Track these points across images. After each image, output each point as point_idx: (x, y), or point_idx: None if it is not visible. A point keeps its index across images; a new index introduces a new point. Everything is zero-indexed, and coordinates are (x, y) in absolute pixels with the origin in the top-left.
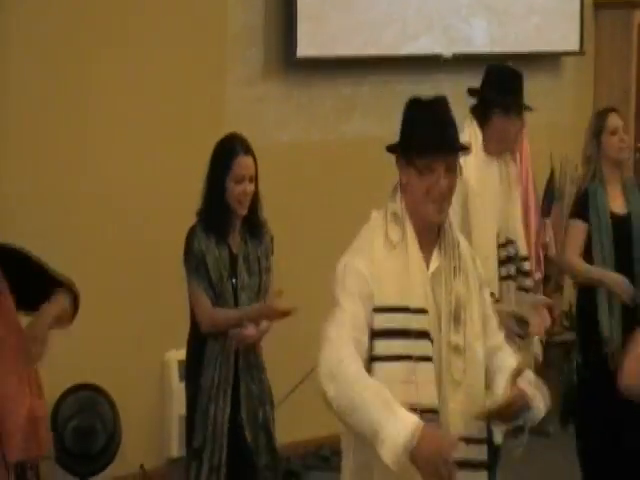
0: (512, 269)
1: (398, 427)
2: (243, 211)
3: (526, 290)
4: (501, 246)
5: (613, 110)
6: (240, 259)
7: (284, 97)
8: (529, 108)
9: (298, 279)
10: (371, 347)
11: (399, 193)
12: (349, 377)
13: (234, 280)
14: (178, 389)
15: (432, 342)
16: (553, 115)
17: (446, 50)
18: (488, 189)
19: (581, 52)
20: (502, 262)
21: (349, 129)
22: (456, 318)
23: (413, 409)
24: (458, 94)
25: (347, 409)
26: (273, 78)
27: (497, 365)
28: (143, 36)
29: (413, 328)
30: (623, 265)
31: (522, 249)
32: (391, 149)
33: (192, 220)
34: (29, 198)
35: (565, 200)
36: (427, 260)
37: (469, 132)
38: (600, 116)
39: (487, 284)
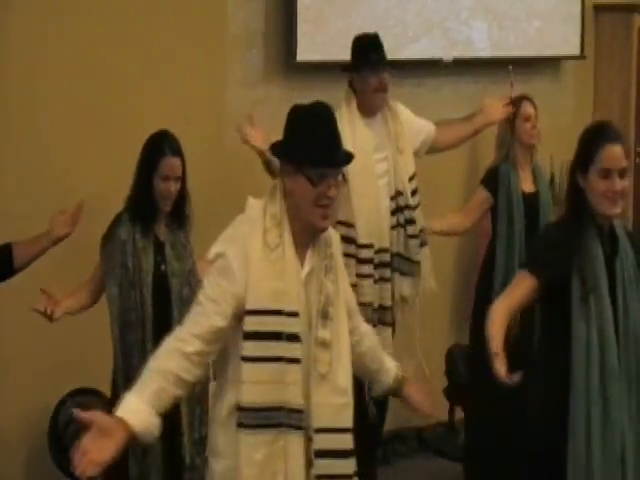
0: (401, 218)
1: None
2: (167, 208)
3: (412, 237)
4: (391, 198)
5: (527, 99)
6: (167, 246)
7: (284, 99)
8: (382, 63)
9: None
10: (240, 348)
11: (278, 195)
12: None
13: (163, 267)
14: None
15: (301, 342)
16: (553, 119)
17: (446, 54)
18: (363, 149)
19: (582, 56)
20: (392, 212)
21: None
22: (324, 315)
23: (280, 408)
24: (458, 98)
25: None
26: (273, 81)
27: (376, 366)
28: (144, 37)
29: (285, 331)
30: (531, 236)
31: (410, 199)
32: (276, 153)
33: (192, 224)
34: (35, 199)
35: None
36: (301, 261)
37: (345, 100)
38: (515, 104)
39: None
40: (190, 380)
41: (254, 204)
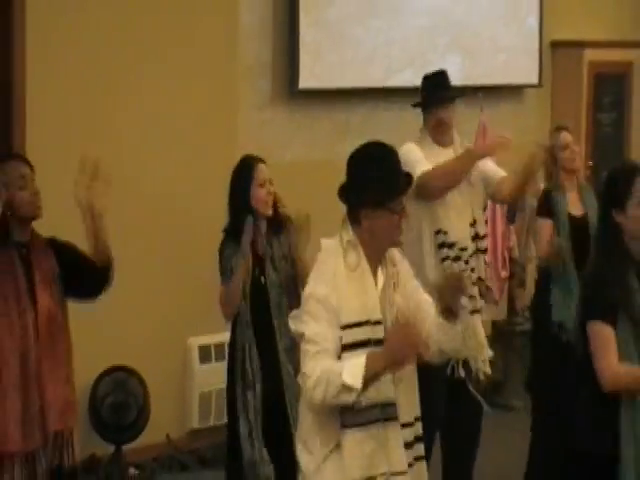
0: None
1: (355, 360)
2: (269, 211)
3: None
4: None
5: (563, 128)
6: (267, 261)
7: (288, 121)
8: (457, 96)
9: None
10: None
11: (349, 225)
12: (327, 373)
13: (263, 279)
14: (198, 370)
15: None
16: (517, 138)
17: None
18: None
19: (540, 85)
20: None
21: (343, 149)
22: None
23: (378, 405)
24: None
25: (329, 392)
26: (279, 105)
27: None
28: (168, 67)
29: (373, 338)
30: (583, 256)
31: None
32: (355, 201)
33: (208, 225)
34: (62, 200)
35: (527, 210)
36: (375, 279)
37: (421, 134)
38: (552, 135)
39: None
40: None
41: (329, 243)
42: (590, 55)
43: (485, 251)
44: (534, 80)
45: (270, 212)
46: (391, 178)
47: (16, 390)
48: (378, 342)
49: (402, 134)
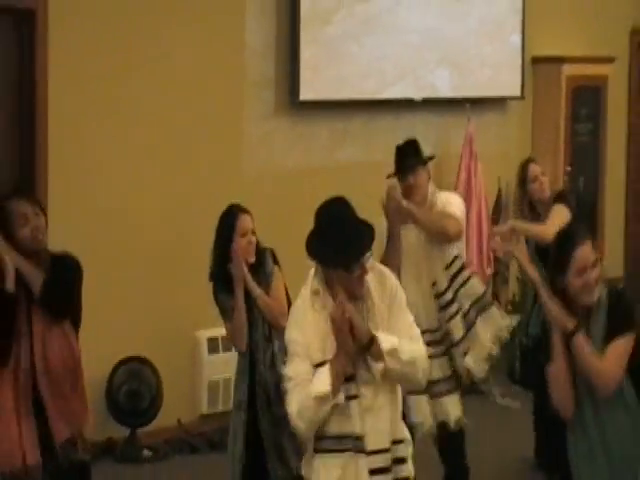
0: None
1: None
2: (253, 258)
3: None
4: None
5: (532, 161)
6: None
7: (290, 130)
8: (420, 164)
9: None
10: None
11: (320, 273)
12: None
13: (255, 312)
14: (207, 360)
15: (356, 382)
16: (501, 146)
17: (417, 95)
18: None
19: (522, 97)
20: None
21: (341, 156)
22: (364, 359)
23: (347, 436)
24: (427, 128)
25: (306, 417)
26: (281, 116)
27: None
28: (183, 82)
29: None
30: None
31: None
32: (313, 256)
33: (212, 224)
34: (79, 203)
35: (509, 213)
36: None
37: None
38: (522, 168)
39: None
40: None
41: (304, 291)
42: (568, 70)
43: (447, 306)
44: (517, 93)
45: (252, 259)
46: (346, 248)
47: (14, 411)
48: (348, 378)
49: (394, 142)
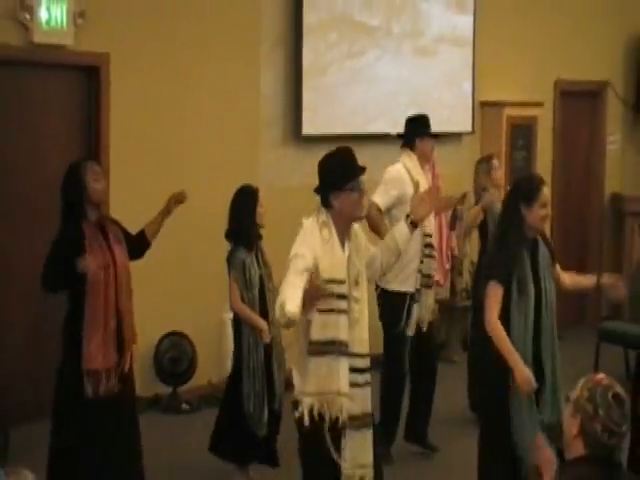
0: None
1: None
2: (263, 222)
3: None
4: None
5: (492, 157)
6: (261, 256)
7: (295, 157)
8: (437, 135)
9: None
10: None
11: (323, 209)
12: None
13: (263, 270)
14: (230, 336)
15: (347, 299)
16: (456, 170)
17: (392, 129)
18: (424, 185)
19: (473, 132)
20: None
21: None
22: (356, 282)
23: (333, 342)
24: (399, 157)
25: (282, 317)
26: (288, 146)
27: (380, 250)
28: (210, 120)
29: (337, 292)
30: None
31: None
32: (320, 191)
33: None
34: (132, 195)
35: (463, 220)
36: (343, 247)
37: (406, 157)
38: (484, 161)
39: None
40: None
41: (307, 222)
42: (508, 111)
43: (432, 256)
44: (468, 129)
45: (264, 224)
46: (345, 166)
47: (100, 319)
48: (340, 296)
49: (377, 167)
